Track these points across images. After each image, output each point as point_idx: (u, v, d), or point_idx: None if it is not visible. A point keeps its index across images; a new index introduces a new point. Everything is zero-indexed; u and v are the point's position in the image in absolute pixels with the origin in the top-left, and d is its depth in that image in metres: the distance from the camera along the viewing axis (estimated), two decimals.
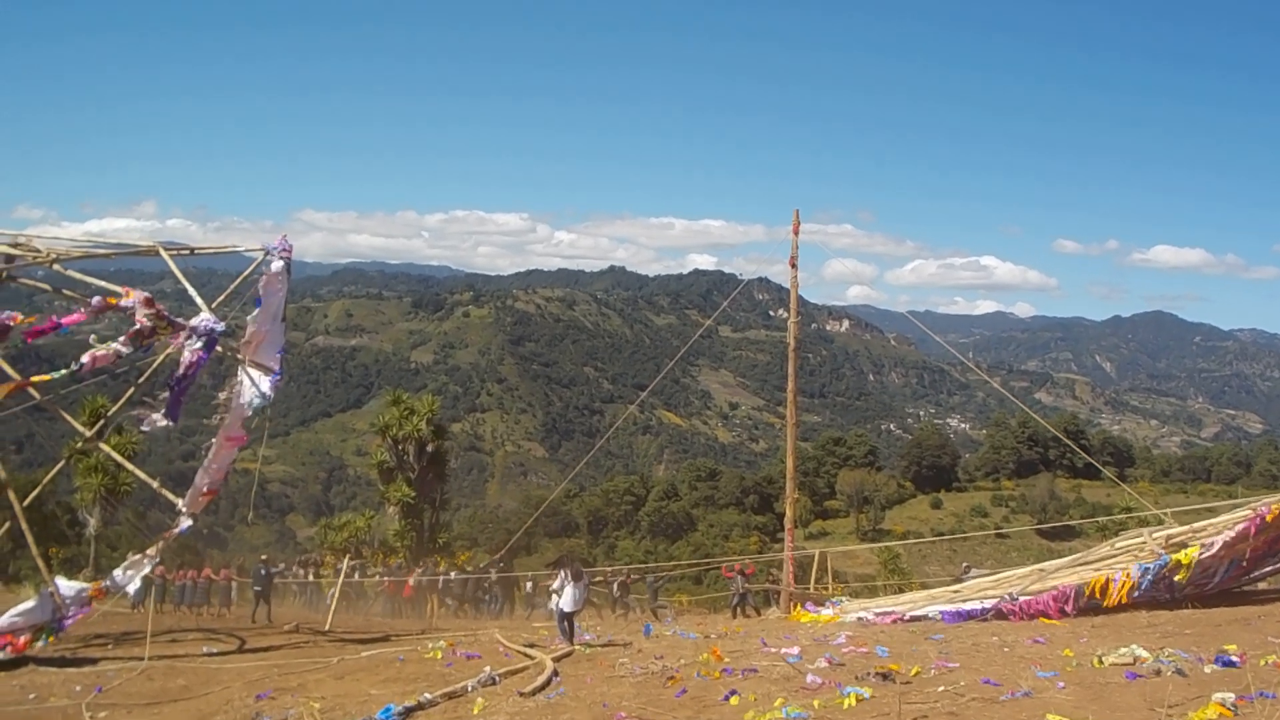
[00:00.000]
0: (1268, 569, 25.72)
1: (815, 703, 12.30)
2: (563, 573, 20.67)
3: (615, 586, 33.60)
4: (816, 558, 32.11)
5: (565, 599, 20.28)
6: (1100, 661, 13.88)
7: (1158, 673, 12.78)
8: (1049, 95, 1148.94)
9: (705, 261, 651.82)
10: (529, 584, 37.27)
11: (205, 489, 23.13)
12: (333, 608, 30.22)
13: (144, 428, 22.07)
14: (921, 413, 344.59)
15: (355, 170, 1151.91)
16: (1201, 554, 21.23)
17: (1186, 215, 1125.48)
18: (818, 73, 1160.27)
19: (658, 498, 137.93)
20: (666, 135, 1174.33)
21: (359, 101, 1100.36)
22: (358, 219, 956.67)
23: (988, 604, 22.95)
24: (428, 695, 14.84)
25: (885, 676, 13.35)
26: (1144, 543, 23.97)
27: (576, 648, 19.27)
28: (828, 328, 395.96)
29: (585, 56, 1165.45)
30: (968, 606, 23.49)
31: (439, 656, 19.71)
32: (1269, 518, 21.24)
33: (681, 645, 19.01)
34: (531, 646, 19.80)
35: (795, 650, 16.66)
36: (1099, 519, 51.15)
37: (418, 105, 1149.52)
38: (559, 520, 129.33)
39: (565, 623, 20.26)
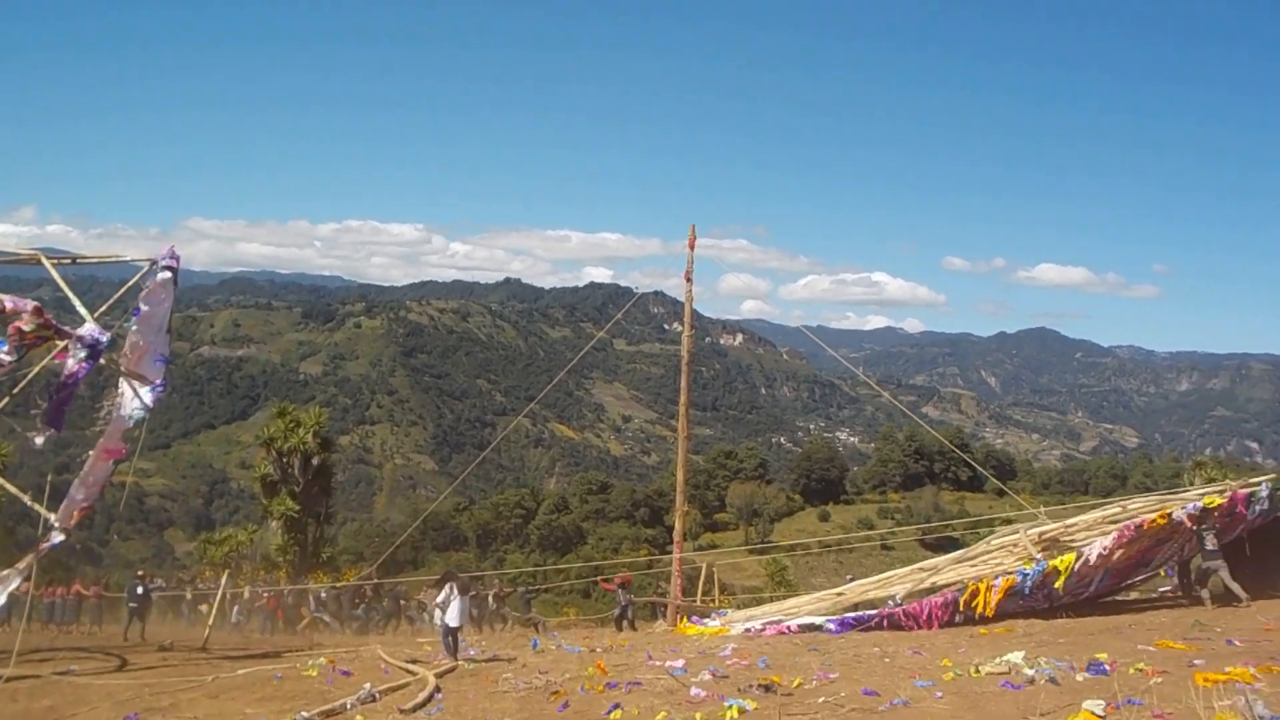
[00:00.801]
0: (1140, 577, 26.68)
1: (698, 715, 12.35)
2: (448, 587, 20.42)
3: (490, 598, 33.38)
4: (704, 570, 32.23)
5: (450, 613, 20.02)
6: (977, 671, 14.13)
7: (1032, 681, 13.06)
8: (937, 113, 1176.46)
9: (601, 274, 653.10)
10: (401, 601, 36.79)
11: (81, 503, 22.34)
12: (209, 625, 29.44)
13: (34, 440, 21.24)
14: (812, 426, 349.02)
15: (246, 178, 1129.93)
16: (1078, 564, 21.84)
17: (1070, 235, 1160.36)
18: (714, 88, 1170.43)
19: (548, 511, 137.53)
20: (564, 148, 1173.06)
21: (249, 110, 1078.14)
22: (247, 227, 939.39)
23: (874, 611, 23.32)
24: (304, 714, 14.49)
25: (767, 688, 13.42)
26: (1019, 539, 24.75)
27: (460, 663, 19.03)
28: (722, 341, 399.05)
29: (481, 69, 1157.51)
30: (855, 613, 23.81)
31: (317, 674, 19.29)
32: (1146, 526, 21.96)
33: (566, 659, 18.91)
34: (414, 662, 19.49)
35: (680, 663, 16.67)
36: (980, 529, 52.14)
37: (310, 114, 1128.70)
38: (447, 534, 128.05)
39: (450, 638, 20.00)
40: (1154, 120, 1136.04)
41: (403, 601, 36.55)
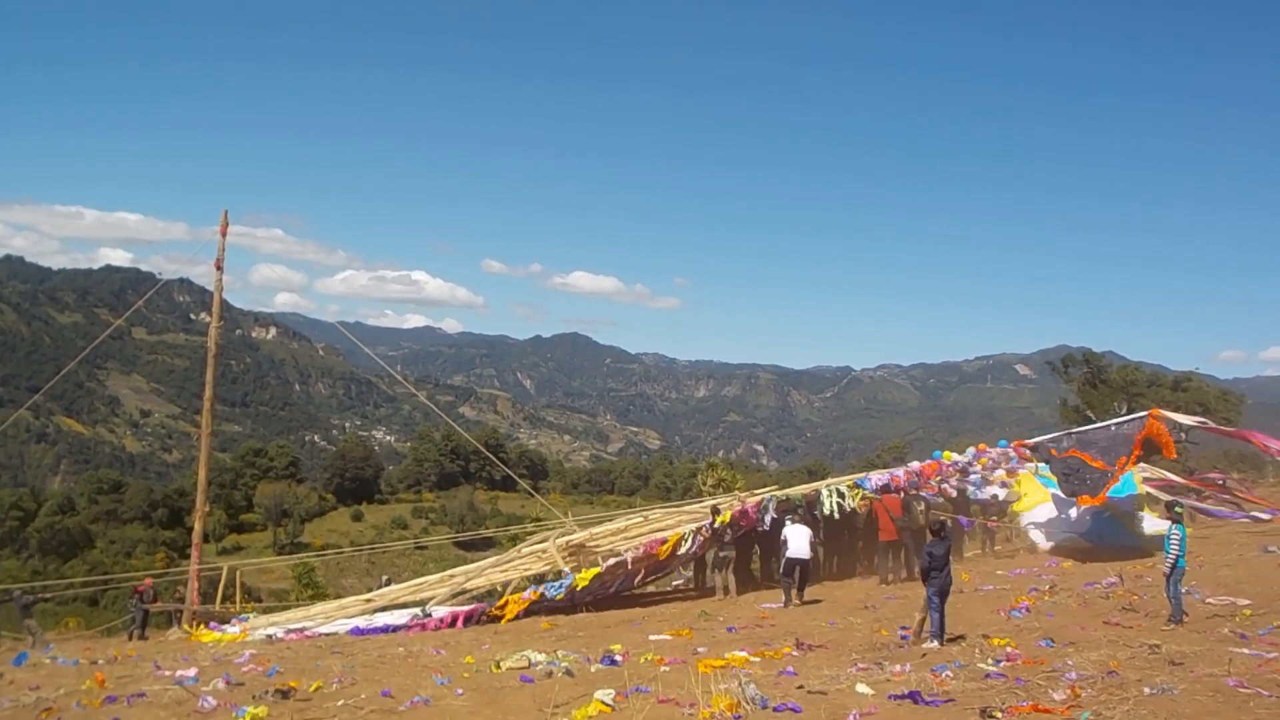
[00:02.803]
0: (658, 575, 28.67)
1: None
2: None
3: None
4: (224, 573, 30.71)
5: None
6: (498, 667, 14.39)
7: (549, 674, 13.47)
8: (477, 116, 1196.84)
9: (120, 257, 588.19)
10: None
11: None
12: None
13: None
14: (347, 424, 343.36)
15: None
16: (602, 575, 23.24)
17: (602, 245, 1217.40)
18: (245, 63, 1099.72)
19: (51, 512, 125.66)
20: (79, 115, 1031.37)
21: None
22: None
23: (401, 622, 23.35)
24: None
25: (284, 694, 12.93)
26: (548, 546, 25.91)
27: None
28: (253, 334, 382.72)
29: None
30: (381, 621, 23.76)
31: None
32: (658, 552, 23.85)
33: (62, 673, 17.28)
34: None
35: (192, 672, 15.79)
36: (512, 529, 53.62)
37: None
38: None
39: None
40: (671, 143, 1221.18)
41: None
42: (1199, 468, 42.63)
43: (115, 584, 49.79)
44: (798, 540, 21.18)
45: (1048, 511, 26.16)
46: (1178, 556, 14.61)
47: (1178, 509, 15.87)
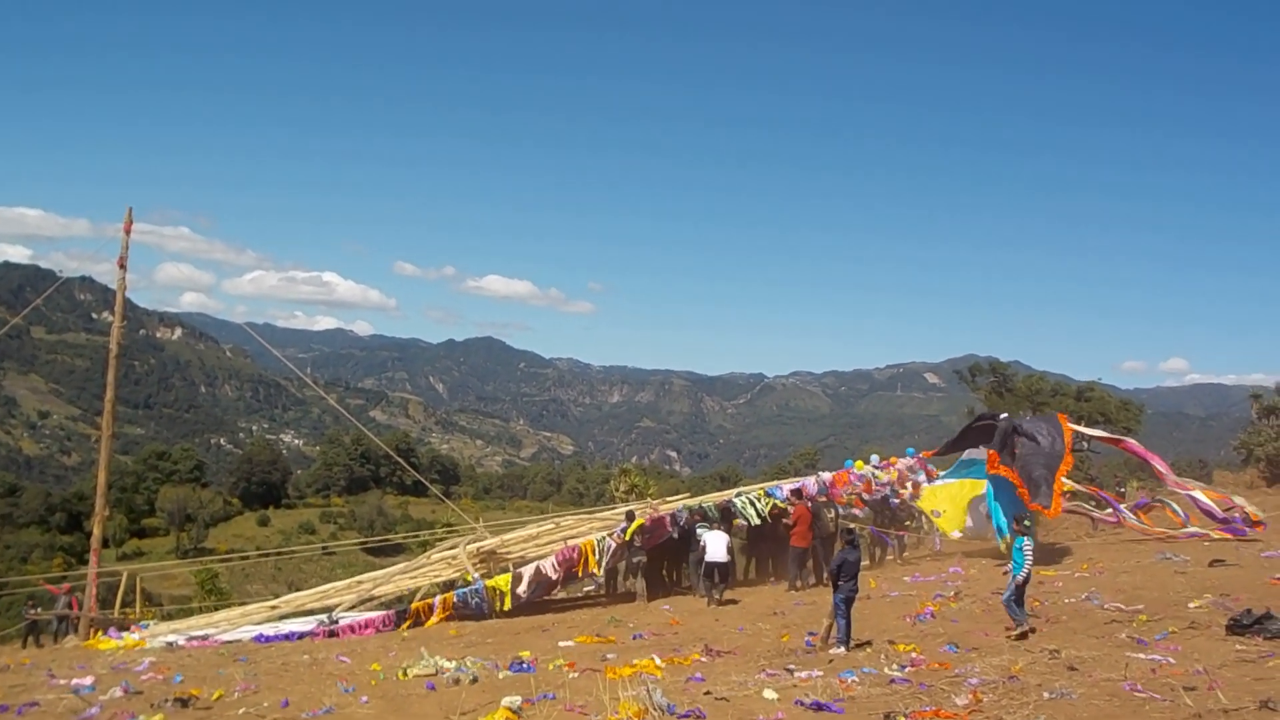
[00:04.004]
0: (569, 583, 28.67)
1: None
2: None
3: None
4: (124, 579, 30.00)
5: None
6: (405, 674, 14.25)
7: (456, 681, 13.36)
8: (384, 114, 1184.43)
9: (18, 254, 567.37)
10: None
11: None
12: None
13: None
14: (255, 427, 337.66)
15: None
16: (514, 585, 23.10)
17: (516, 249, 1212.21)
18: (151, 60, 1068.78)
19: None
20: None
21: None
22: None
23: (307, 628, 23.06)
24: None
25: (184, 702, 12.69)
26: (458, 553, 25.76)
27: None
28: (158, 335, 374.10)
29: None
30: (287, 628, 23.43)
31: None
32: (577, 569, 23.91)
33: None
34: None
35: (88, 680, 15.40)
36: (421, 535, 53.10)
37: None
38: None
39: None
40: (586, 149, 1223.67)
41: None
42: (1100, 476, 43.69)
43: (10, 590, 48.29)
44: (715, 544, 22.00)
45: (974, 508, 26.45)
46: (1029, 568, 14.89)
47: (1026, 521, 16.09)
